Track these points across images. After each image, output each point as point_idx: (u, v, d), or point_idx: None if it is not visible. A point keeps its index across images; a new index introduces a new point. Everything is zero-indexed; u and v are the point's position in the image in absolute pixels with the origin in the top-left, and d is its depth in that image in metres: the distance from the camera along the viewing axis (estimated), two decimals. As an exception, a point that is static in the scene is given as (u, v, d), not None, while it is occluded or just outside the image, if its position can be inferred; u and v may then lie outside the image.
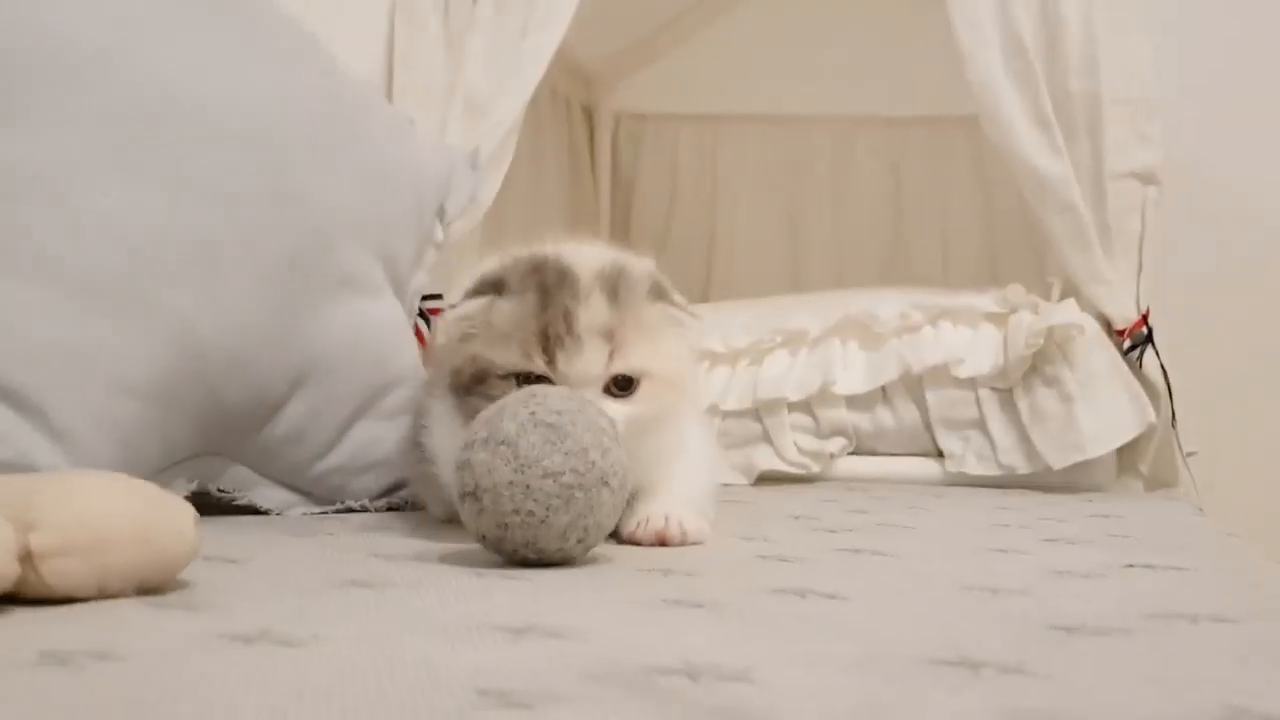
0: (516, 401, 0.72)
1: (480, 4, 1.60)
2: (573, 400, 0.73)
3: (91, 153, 0.84)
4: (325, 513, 1.03)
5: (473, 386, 0.81)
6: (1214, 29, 2.02)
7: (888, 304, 1.49)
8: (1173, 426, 1.45)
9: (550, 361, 0.80)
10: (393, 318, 1.12)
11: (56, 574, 0.53)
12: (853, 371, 1.47)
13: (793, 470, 1.45)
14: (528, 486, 0.68)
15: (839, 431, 1.47)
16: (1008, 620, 0.56)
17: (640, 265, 0.86)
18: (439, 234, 1.31)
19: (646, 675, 0.41)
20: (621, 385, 0.81)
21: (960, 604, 0.60)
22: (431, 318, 1.39)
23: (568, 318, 0.79)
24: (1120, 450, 1.42)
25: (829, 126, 2.26)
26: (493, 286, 0.83)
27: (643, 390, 0.82)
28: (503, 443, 0.69)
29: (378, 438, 1.05)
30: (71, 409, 0.80)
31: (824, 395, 1.46)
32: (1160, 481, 1.47)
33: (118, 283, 0.83)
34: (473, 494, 0.70)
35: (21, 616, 0.52)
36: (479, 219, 1.48)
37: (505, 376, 0.80)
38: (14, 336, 0.78)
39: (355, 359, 1.03)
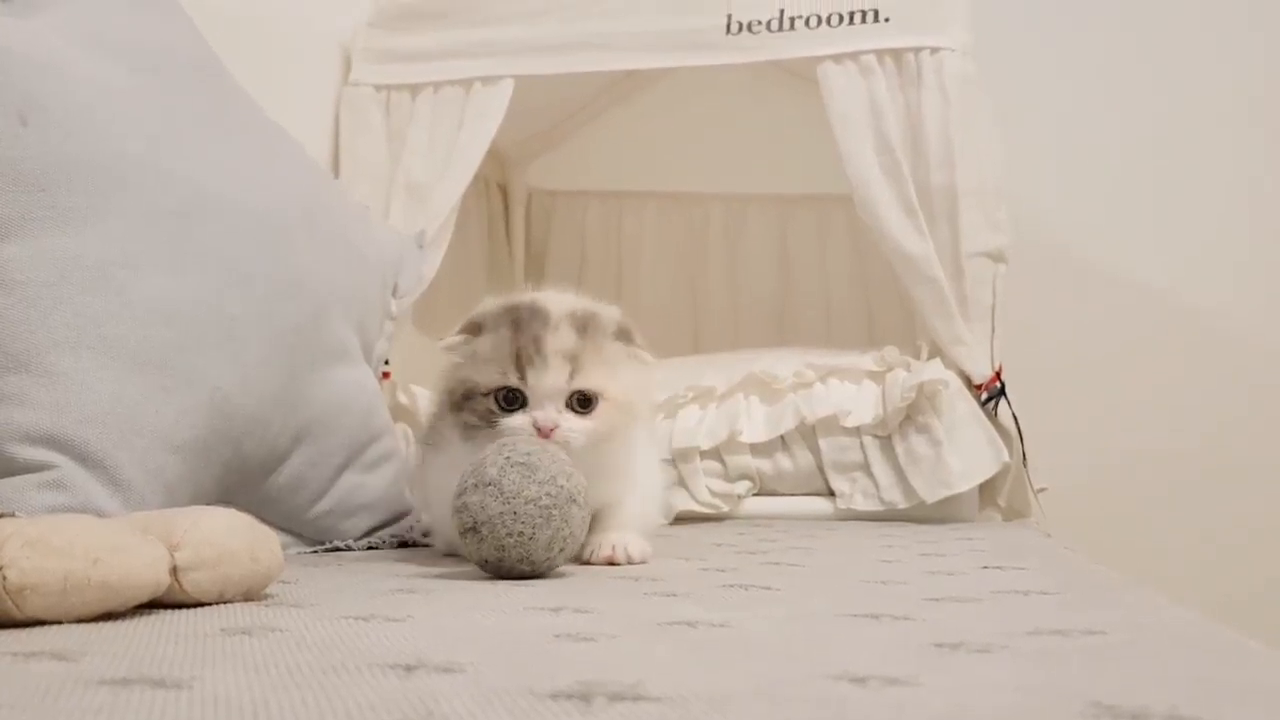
0: (493, 451, 0.89)
1: (419, 99, 1.75)
2: (536, 443, 0.91)
3: (138, 245, 0.98)
4: (315, 551, 1.18)
5: (463, 403, 0.99)
6: (1066, 127, 2.32)
7: (784, 363, 1.63)
8: (1024, 466, 1.61)
9: (522, 377, 0.96)
10: (370, 382, 1.28)
11: (193, 584, 0.70)
12: (755, 422, 1.61)
13: (706, 510, 1.58)
14: (515, 513, 0.85)
15: (745, 475, 1.61)
16: (892, 641, 0.57)
17: (609, 311, 1.04)
18: (394, 308, 1.49)
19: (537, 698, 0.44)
20: (582, 403, 0.98)
21: (848, 628, 0.62)
22: (383, 381, 1.56)
23: (537, 342, 0.96)
24: (981, 486, 1.57)
25: (723, 203, 2.38)
26: (474, 327, 1.00)
27: (600, 409, 0.98)
28: (489, 484, 0.87)
29: (361, 484, 1.21)
30: (128, 463, 0.93)
31: (731, 443, 1.60)
32: (1016, 513, 1.62)
33: (164, 355, 0.98)
34: (473, 529, 0.87)
35: (185, 614, 0.68)
36: (422, 291, 1.65)
37: (487, 393, 0.97)
38: (81, 400, 0.91)
39: (344, 417, 1.19)
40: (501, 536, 0.86)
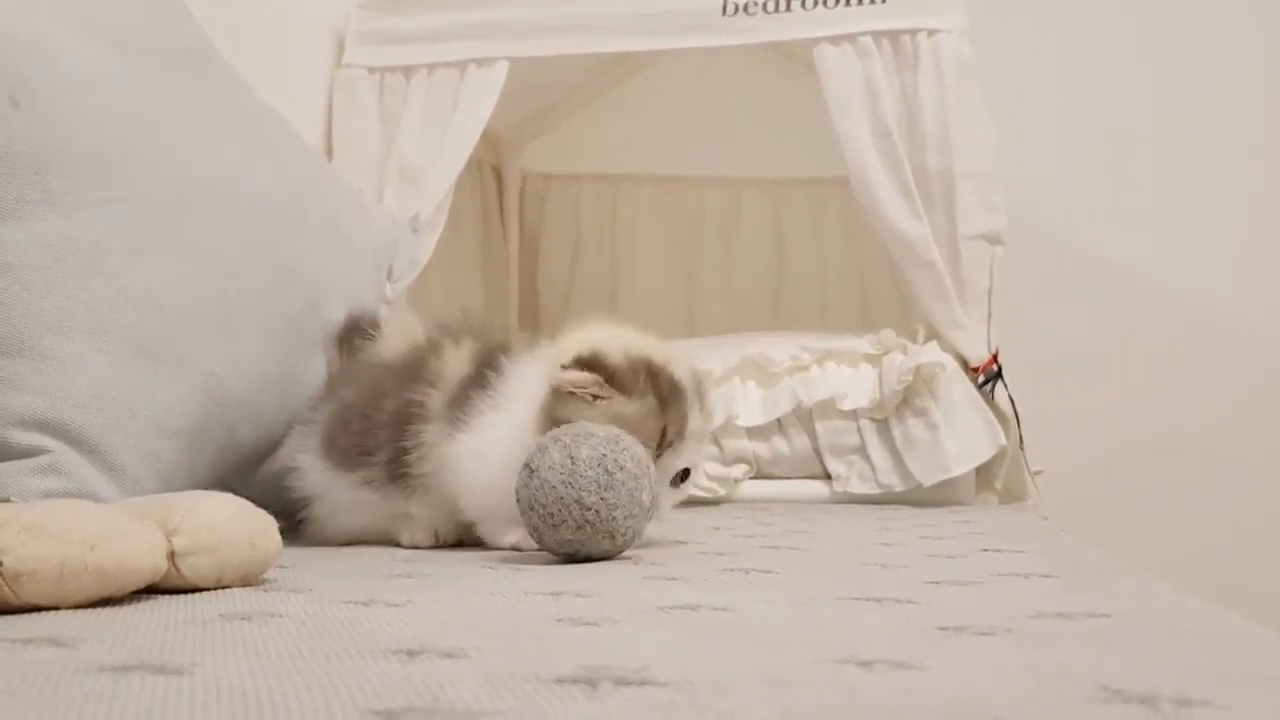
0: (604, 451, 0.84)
1: (413, 81, 1.74)
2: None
3: (132, 230, 0.97)
4: (310, 537, 1.18)
5: None
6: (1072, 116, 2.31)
7: (780, 347, 1.62)
8: (1021, 449, 1.61)
9: (659, 455, 0.91)
10: (364, 366, 1.28)
11: (190, 569, 0.69)
12: (752, 406, 1.60)
13: (702, 494, 1.56)
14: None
15: (741, 459, 1.61)
16: (896, 625, 0.57)
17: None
18: (388, 291, 1.48)
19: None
20: (682, 477, 0.96)
21: (851, 611, 0.62)
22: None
23: (681, 423, 0.92)
24: (978, 469, 1.55)
25: (718, 186, 2.37)
26: (610, 377, 0.91)
27: (688, 483, 0.97)
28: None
29: (356, 470, 1.21)
30: (123, 448, 0.93)
31: (727, 427, 1.59)
32: (1012, 495, 1.61)
33: (158, 341, 0.97)
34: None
35: (183, 600, 0.68)
36: (416, 275, 1.64)
37: None
38: (75, 384, 0.91)
39: (339, 402, 1.19)
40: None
